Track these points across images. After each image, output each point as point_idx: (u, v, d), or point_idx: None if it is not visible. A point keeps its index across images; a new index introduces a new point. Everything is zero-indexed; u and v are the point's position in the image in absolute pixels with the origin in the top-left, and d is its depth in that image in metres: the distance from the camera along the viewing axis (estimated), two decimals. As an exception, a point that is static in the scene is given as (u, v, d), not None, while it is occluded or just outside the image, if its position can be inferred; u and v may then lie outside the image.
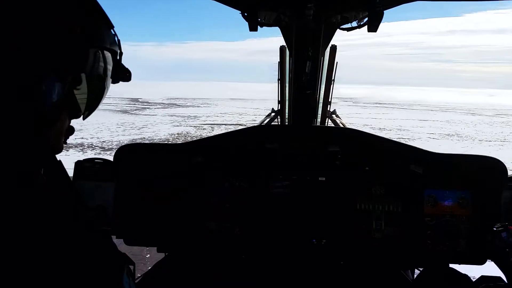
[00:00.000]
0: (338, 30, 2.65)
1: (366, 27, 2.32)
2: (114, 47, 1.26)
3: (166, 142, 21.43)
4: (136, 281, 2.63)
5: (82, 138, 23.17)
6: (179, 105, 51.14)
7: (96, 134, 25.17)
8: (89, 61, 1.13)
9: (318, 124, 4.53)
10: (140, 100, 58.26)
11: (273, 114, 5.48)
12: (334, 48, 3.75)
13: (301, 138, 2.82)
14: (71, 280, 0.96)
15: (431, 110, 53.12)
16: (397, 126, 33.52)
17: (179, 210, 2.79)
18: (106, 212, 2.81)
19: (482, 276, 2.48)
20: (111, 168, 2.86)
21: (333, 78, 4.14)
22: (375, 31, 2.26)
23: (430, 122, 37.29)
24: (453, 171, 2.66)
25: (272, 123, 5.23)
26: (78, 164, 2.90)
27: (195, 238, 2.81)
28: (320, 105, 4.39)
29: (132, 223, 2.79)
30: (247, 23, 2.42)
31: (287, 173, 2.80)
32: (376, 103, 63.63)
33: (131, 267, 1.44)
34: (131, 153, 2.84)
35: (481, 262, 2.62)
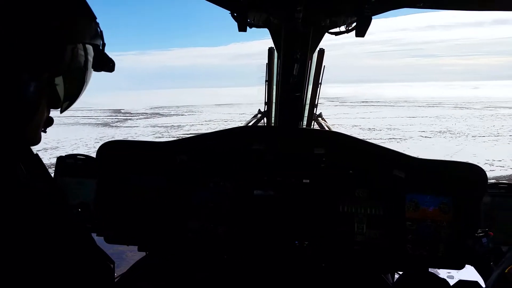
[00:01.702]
0: (326, 34, 2.62)
1: (354, 32, 2.30)
2: (96, 40, 1.26)
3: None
4: (116, 279, 2.56)
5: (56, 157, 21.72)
6: (162, 115, 49.89)
7: (72, 151, 23.69)
8: (67, 57, 1.13)
9: (304, 126, 4.55)
10: (122, 111, 56.92)
11: (259, 115, 5.46)
12: (322, 52, 3.71)
13: (287, 140, 2.84)
14: (49, 274, 0.97)
15: (419, 106, 53.01)
16: (386, 125, 32.94)
17: (162, 208, 2.79)
18: (88, 209, 2.73)
19: (460, 281, 2.47)
20: (93, 164, 2.83)
21: (320, 81, 4.11)
22: (363, 36, 2.26)
23: (419, 119, 36.88)
24: (435, 176, 2.68)
25: (259, 124, 5.24)
26: (60, 160, 2.88)
27: (177, 237, 2.80)
28: (307, 107, 4.42)
29: (113, 221, 2.78)
30: (230, 27, 2.46)
31: (272, 174, 2.81)
32: (363, 101, 63.36)
33: (111, 265, 1.37)
34: (114, 150, 2.82)
35: (460, 267, 2.64)
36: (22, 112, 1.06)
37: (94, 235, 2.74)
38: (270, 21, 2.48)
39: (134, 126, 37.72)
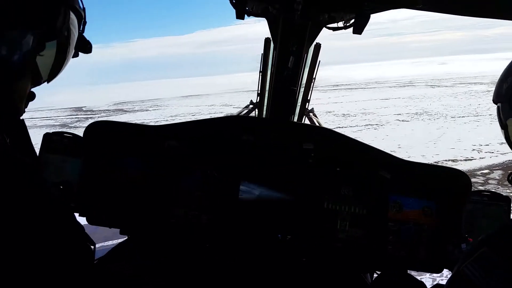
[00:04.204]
0: (323, 29, 2.64)
1: (351, 28, 2.33)
2: (82, 12, 1.34)
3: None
4: (96, 261, 2.31)
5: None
6: (126, 111, 47.76)
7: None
8: (60, 17, 1.19)
9: (296, 120, 4.47)
10: (84, 108, 54.55)
11: (251, 106, 5.41)
12: (318, 47, 3.70)
13: (277, 132, 2.84)
14: (22, 248, 0.97)
15: (390, 86, 52.59)
16: (360, 109, 32.14)
17: (147, 193, 2.78)
18: (72, 188, 2.72)
19: (437, 284, 2.36)
20: (79, 143, 2.81)
21: (314, 76, 4.11)
22: (360, 33, 2.29)
23: (392, 101, 36.30)
24: (420, 180, 2.70)
25: (250, 115, 5.17)
26: (46, 137, 2.84)
27: (160, 223, 2.80)
28: (299, 102, 4.37)
29: (97, 202, 2.78)
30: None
31: (259, 166, 2.82)
32: (333, 85, 62.26)
33: (91, 247, 1.41)
34: (102, 130, 2.80)
35: (438, 270, 2.67)
36: (13, 67, 1.09)
37: (77, 215, 2.62)
38: (268, 10, 2.47)
39: (95, 126, 35.28)
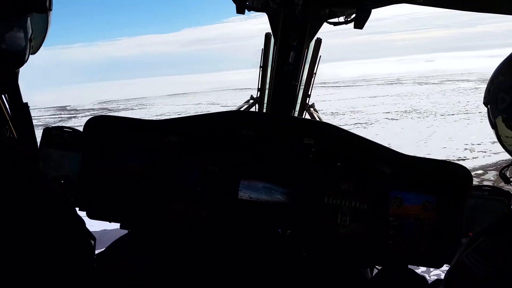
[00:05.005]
0: (324, 23, 2.63)
1: (352, 23, 2.33)
2: None
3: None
4: (95, 255, 2.38)
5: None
6: (111, 110, 47.35)
7: None
8: None
9: (296, 115, 4.41)
10: (68, 108, 53.91)
11: (251, 101, 5.28)
12: (319, 41, 3.64)
13: (278, 127, 2.83)
14: (21, 242, 0.96)
15: (377, 84, 52.72)
16: (349, 107, 32.05)
17: (147, 188, 2.77)
18: (71, 183, 2.63)
19: (437, 279, 2.34)
20: (79, 138, 2.81)
21: (315, 71, 4.08)
22: (361, 28, 2.29)
23: (381, 99, 36.25)
24: (421, 175, 2.68)
25: (250, 110, 5.11)
26: (46, 131, 2.84)
27: (160, 218, 2.79)
28: (300, 97, 4.33)
29: (97, 196, 2.77)
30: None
31: (260, 161, 2.81)
32: (321, 83, 61.76)
33: (92, 241, 1.44)
34: (102, 124, 2.79)
35: (438, 265, 2.66)
36: (19, 56, 1.17)
37: (77, 210, 2.68)
38: (269, 5, 2.46)
39: (78, 126, 34.56)
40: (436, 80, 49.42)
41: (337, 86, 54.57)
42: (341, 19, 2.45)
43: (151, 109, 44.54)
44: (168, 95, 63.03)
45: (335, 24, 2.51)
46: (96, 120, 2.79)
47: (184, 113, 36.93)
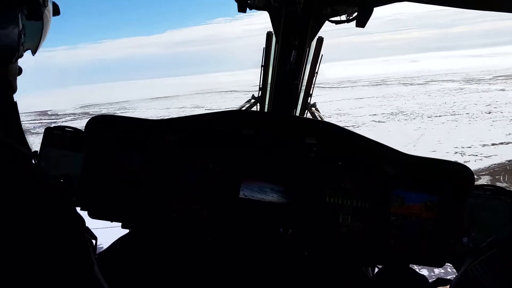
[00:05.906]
0: (326, 22, 2.63)
1: (354, 22, 2.33)
2: None
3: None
4: (96, 255, 2.48)
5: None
6: (92, 114, 45.52)
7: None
8: None
9: (297, 115, 4.29)
10: (49, 112, 53.66)
11: (253, 100, 4.96)
12: (320, 40, 3.44)
13: (279, 126, 2.83)
14: (25, 239, 0.95)
15: (363, 85, 52.96)
16: (335, 110, 31.85)
17: (148, 187, 2.74)
18: (72, 183, 2.68)
19: (438, 278, 2.42)
20: (81, 138, 2.77)
21: (316, 70, 3.84)
22: (363, 26, 2.29)
23: (366, 100, 36.24)
24: (423, 174, 2.67)
25: (252, 110, 4.88)
26: (48, 131, 2.79)
27: (161, 217, 2.77)
28: (301, 96, 4.08)
29: (98, 196, 2.73)
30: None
31: (261, 160, 2.80)
32: (306, 84, 62.18)
33: (93, 241, 1.37)
34: (103, 124, 2.77)
35: (440, 265, 2.69)
36: (9, 51, 1.11)
37: (78, 209, 2.63)
38: (270, 3, 2.44)
39: (57, 132, 33.94)
40: (421, 81, 49.90)
41: (322, 87, 54.51)
42: (343, 17, 2.44)
43: (134, 113, 44.17)
44: (151, 98, 62.92)
45: (337, 22, 2.52)
46: (98, 120, 2.77)
47: (167, 116, 36.37)
